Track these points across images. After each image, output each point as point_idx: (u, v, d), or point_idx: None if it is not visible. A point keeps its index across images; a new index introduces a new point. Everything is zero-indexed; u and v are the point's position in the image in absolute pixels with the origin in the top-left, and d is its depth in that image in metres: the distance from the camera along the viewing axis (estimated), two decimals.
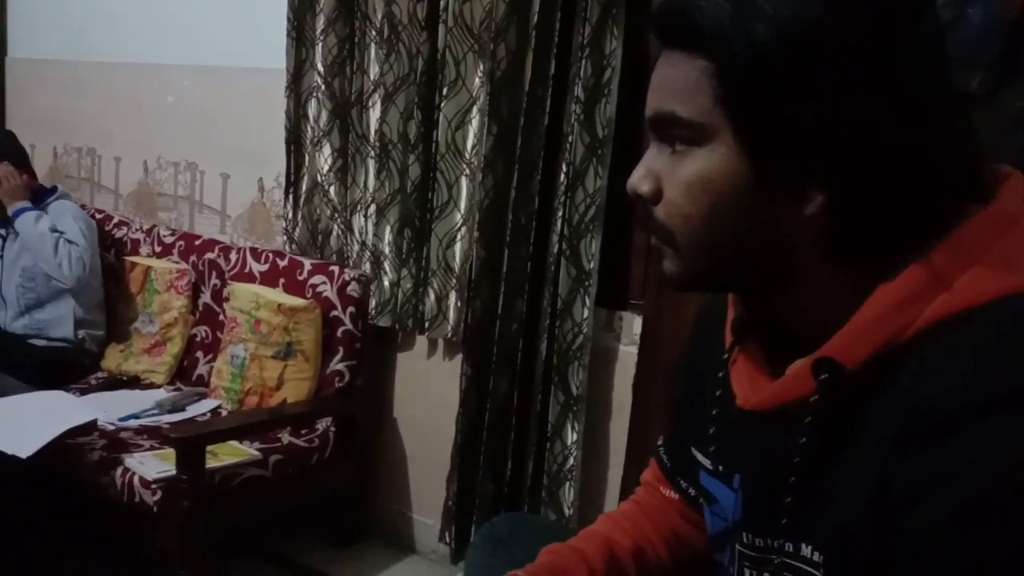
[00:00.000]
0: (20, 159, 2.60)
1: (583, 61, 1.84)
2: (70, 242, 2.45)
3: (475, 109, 2.07)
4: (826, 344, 0.63)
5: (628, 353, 1.96)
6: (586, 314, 1.91)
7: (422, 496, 2.36)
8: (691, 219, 0.64)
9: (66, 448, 1.93)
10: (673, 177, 0.65)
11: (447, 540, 2.17)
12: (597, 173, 1.87)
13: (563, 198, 1.90)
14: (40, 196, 2.59)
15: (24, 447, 1.73)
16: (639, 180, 0.67)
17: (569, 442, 1.95)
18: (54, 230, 2.46)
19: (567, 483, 1.96)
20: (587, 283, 1.90)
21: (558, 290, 1.92)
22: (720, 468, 0.78)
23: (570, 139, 1.88)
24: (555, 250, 1.92)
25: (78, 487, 1.98)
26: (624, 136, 1.89)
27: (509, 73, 1.95)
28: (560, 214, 1.90)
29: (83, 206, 2.80)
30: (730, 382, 0.74)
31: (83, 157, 3.21)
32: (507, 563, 0.89)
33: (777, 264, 0.65)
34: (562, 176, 1.90)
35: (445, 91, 2.08)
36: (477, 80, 2.06)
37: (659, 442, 0.98)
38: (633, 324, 1.96)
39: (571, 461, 1.96)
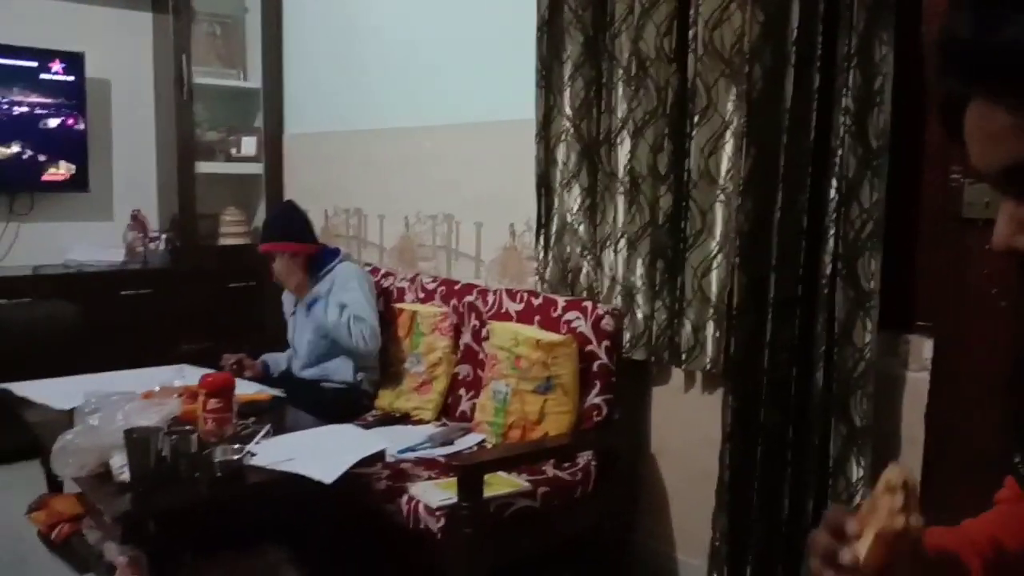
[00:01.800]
0: (302, 234, 2.82)
1: (851, 71, 1.76)
2: (359, 319, 2.65)
3: (728, 133, 2.04)
4: None
5: (917, 380, 1.79)
6: (868, 338, 1.77)
7: (686, 535, 2.29)
8: None
9: (355, 477, 2.10)
10: None
11: None
12: (873, 186, 1.76)
13: (835, 215, 1.80)
14: (324, 259, 2.82)
15: (327, 474, 1.90)
16: (1011, 238, 0.63)
17: (855, 478, 1.81)
18: (341, 305, 2.66)
19: None
20: (868, 304, 1.77)
21: (834, 313, 1.81)
22: None
23: (840, 153, 1.79)
24: (828, 271, 1.82)
25: (366, 513, 2.14)
26: (899, 146, 1.77)
27: (766, 93, 1.89)
28: (833, 232, 1.80)
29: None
30: None
31: (350, 217, 3.57)
32: None
33: None
34: (833, 192, 1.81)
35: (696, 119, 2.08)
36: (730, 104, 2.03)
37: (1016, 459, 0.88)
38: (922, 348, 1.79)
39: (858, 499, 1.81)
